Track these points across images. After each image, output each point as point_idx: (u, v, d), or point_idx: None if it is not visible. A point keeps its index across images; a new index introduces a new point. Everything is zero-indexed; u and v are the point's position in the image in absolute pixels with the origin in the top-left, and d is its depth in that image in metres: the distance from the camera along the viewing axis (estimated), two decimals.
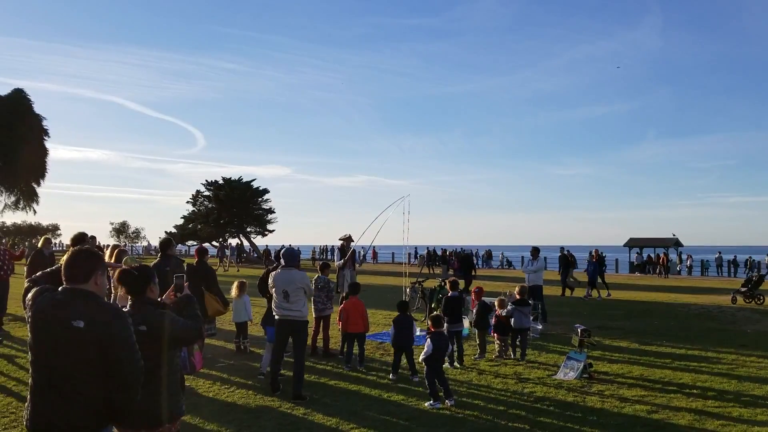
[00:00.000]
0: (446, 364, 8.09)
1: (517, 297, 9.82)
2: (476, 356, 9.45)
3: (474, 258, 31.40)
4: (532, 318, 12.02)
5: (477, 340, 9.81)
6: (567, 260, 20.40)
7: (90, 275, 2.93)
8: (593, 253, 20.29)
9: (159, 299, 3.64)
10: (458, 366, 8.76)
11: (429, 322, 7.49)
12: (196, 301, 3.82)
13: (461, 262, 23.22)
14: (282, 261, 7.29)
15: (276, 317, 7.21)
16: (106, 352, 2.79)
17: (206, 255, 9.23)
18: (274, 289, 7.17)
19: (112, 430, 2.97)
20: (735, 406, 6.80)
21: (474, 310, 9.87)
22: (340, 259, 13.23)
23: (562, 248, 23.33)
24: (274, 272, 7.36)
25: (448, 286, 9.53)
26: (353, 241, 13.22)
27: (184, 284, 3.76)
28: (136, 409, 3.17)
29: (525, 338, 9.57)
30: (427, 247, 45.41)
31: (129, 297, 3.49)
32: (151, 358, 3.25)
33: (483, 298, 10.11)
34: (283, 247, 9.43)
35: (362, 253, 18.36)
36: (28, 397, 2.93)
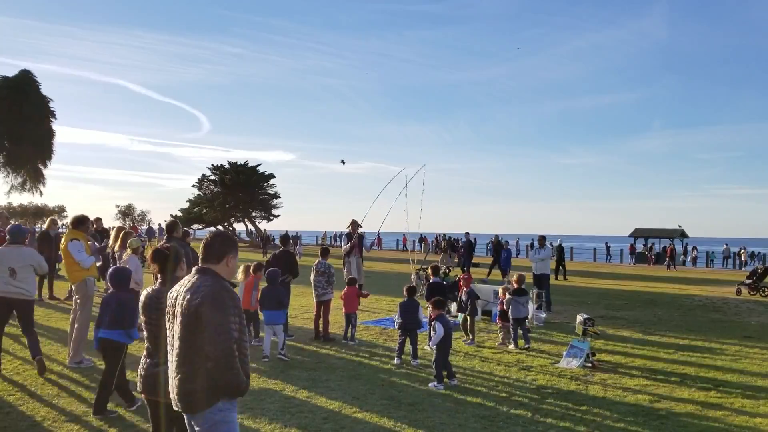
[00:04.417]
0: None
1: (515, 286, 9.75)
2: (468, 341, 9.52)
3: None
4: (536, 306, 12.04)
5: (461, 326, 9.86)
6: (471, 246, 23.51)
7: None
8: (493, 240, 23.39)
9: None
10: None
11: (430, 307, 7.55)
12: None
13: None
14: (8, 238, 7.32)
15: None
16: None
17: None
18: None
19: None
20: (737, 397, 6.81)
21: (463, 297, 9.87)
22: (347, 245, 13.19)
23: (467, 234, 24.66)
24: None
25: (450, 272, 9.53)
26: (360, 226, 13.20)
27: None
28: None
29: (524, 327, 9.54)
30: (437, 235, 45.43)
31: (158, 274, 3.68)
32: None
33: (472, 286, 10.18)
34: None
35: (373, 239, 18.34)
36: None
